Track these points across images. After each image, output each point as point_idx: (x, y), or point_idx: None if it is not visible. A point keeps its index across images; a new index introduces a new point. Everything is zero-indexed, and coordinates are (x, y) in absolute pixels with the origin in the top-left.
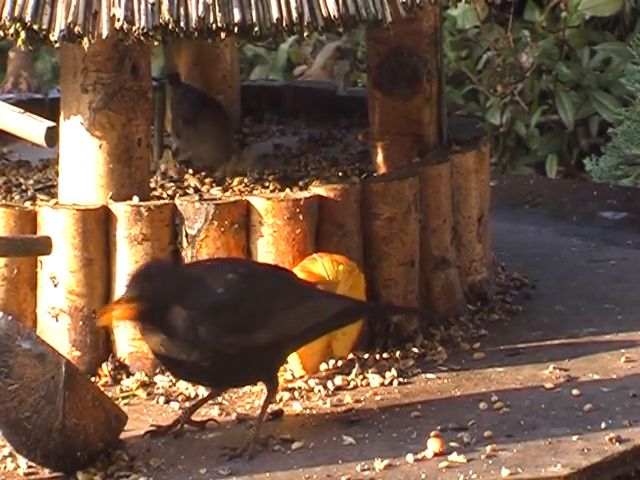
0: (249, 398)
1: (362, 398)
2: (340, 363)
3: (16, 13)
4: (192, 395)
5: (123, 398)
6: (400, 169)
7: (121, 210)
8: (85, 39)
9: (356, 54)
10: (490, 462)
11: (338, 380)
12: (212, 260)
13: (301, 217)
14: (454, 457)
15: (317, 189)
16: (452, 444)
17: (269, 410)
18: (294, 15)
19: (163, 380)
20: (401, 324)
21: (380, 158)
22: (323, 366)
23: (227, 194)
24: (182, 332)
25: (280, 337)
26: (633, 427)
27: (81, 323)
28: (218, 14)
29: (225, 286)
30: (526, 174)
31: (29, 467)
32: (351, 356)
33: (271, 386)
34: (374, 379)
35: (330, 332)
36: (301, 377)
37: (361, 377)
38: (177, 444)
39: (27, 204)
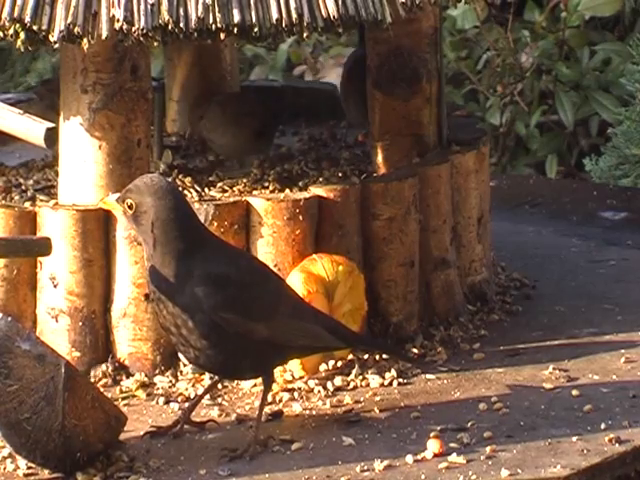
0: (249, 399)
1: (362, 399)
2: (340, 364)
3: (15, 14)
4: (192, 396)
5: (123, 399)
6: (400, 169)
7: None
8: (85, 40)
9: None
10: (490, 463)
11: (338, 381)
12: (234, 246)
13: (301, 218)
14: (454, 458)
15: (317, 189)
16: (452, 445)
17: (269, 411)
18: (294, 16)
19: (163, 381)
20: (401, 324)
21: (380, 158)
22: (323, 367)
23: (227, 194)
24: (178, 281)
25: (278, 340)
26: (633, 428)
27: (81, 324)
28: (218, 15)
29: (238, 267)
30: (526, 174)
31: (29, 468)
32: (351, 357)
33: (267, 382)
34: (374, 380)
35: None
36: (301, 378)
37: (361, 378)
38: (177, 445)
39: (27, 204)
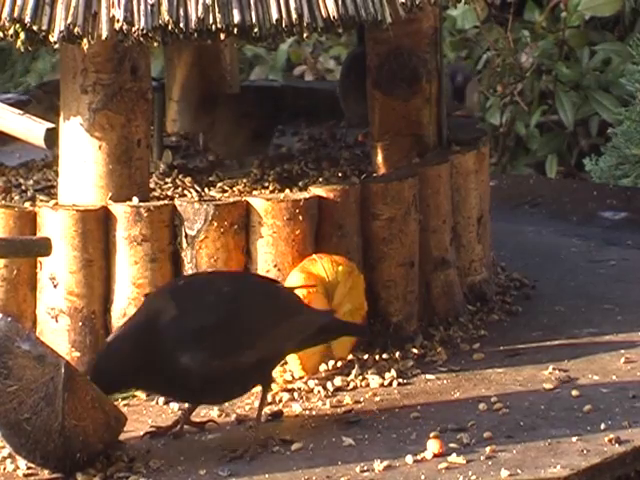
0: (248, 399)
1: (362, 399)
2: (340, 364)
3: (15, 14)
4: None
5: (122, 399)
6: (400, 169)
7: (121, 211)
8: (85, 40)
9: None
10: (489, 463)
11: (338, 381)
12: (194, 278)
13: (301, 218)
14: (453, 458)
15: (317, 190)
16: (452, 445)
17: (269, 411)
18: (294, 16)
19: None
20: (401, 325)
21: (380, 158)
22: (323, 367)
23: (226, 195)
24: (167, 373)
25: (267, 355)
26: (633, 428)
27: (81, 324)
28: (218, 15)
29: (207, 309)
30: (526, 174)
31: (28, 468)
32: (351, 357)
33: (266, 385)
34: (374, 380)
35: (316, 345)
36: (300, 378)
37: (360, 378)
38: (177, 445)
39: (27, 205)
